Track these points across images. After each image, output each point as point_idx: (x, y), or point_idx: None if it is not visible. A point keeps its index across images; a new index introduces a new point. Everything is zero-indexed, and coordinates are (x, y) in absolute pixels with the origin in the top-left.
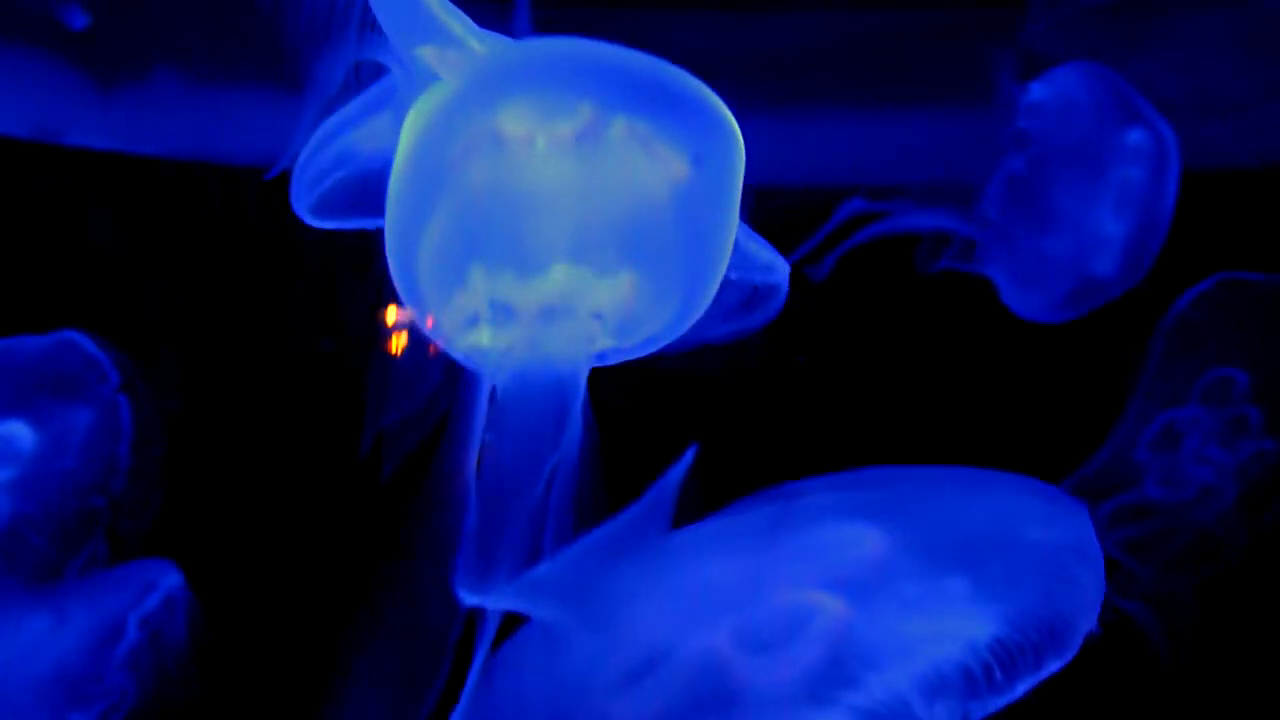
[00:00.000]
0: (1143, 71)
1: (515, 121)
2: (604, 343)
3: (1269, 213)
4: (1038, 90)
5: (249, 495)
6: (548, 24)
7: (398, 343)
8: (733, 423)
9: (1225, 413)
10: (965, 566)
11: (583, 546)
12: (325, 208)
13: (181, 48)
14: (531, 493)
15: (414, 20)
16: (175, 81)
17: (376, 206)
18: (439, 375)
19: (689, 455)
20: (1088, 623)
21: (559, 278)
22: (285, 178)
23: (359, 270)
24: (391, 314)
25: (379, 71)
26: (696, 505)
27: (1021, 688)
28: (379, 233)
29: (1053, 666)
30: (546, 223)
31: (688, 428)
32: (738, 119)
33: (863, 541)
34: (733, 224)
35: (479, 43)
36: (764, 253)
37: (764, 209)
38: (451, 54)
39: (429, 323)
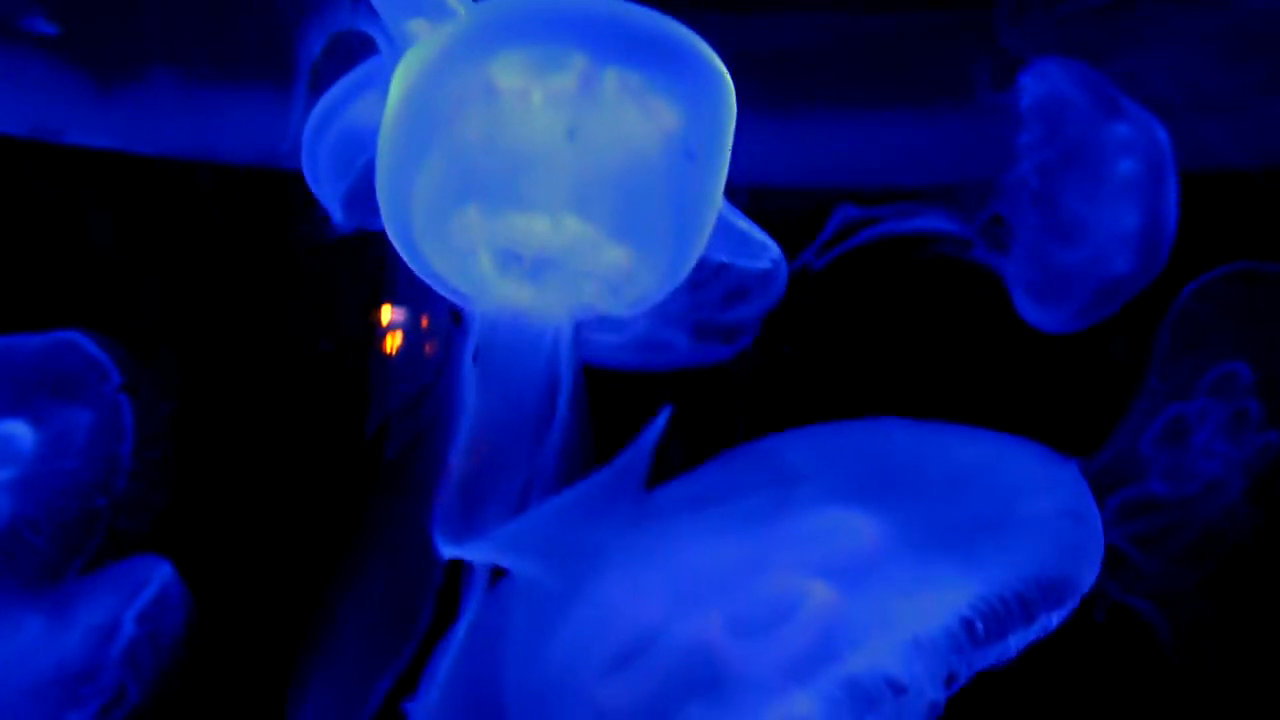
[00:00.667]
0: (1131, 69)
1: (508, 74)
2: (590, 296)
3: (1269, 213)
4: (1025, 94)
5: (249, 494)
6: None
7: (394, 342)
8: (726, 413)
9: (1230, 406)
10: (957, 549)
11: (559, 502)
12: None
13: (180, 47)
14: (516, 448)
15: None
16: (174, 81)
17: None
18: (434, 372)
19: (663, 416)
20: (1088, 577)
21: (550, 226)
22: (285, 178)
23: (358, 270)
24: (388, 314)
25: (369, 48)
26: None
27: (1015, 643)
28: (378, 232)
29: (1050, 622)
30: (540, 173)
31: (681, 417)
32: (737, 119)
33: (853, 526)
34: (721, 181)
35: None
36: (756, 235)
37: (763, 209)
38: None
39: (420, 261)
